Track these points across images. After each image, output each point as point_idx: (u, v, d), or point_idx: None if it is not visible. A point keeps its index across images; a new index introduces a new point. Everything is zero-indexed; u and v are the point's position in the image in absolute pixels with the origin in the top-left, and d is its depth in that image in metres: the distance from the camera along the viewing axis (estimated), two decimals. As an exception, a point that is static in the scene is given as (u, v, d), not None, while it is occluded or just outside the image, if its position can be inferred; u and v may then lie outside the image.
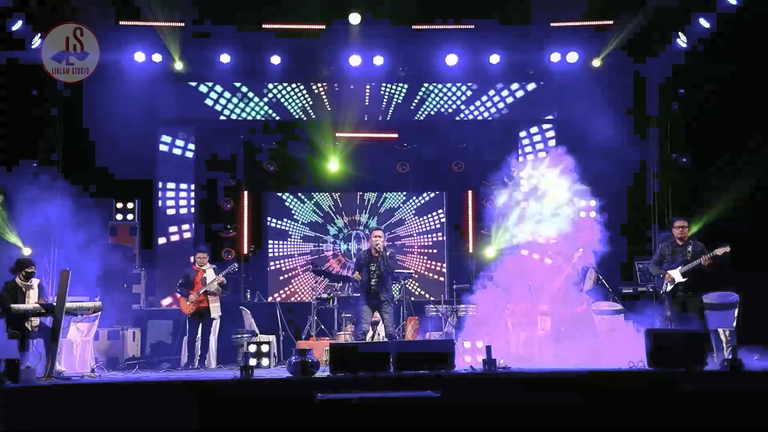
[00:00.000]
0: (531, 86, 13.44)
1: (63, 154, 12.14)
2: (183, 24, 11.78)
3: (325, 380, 7.76)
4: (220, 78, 12.99)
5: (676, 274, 8.83)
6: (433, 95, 13.54)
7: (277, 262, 13.58)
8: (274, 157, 13.49)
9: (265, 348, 9.94)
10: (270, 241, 13.59)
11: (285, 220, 13.67)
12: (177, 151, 13.46)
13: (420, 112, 13.56)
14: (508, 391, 7.34)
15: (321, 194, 13.76)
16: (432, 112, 13.57)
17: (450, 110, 13.58)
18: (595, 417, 6.78)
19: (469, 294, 11.06)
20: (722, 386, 7.32)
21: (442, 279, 13.60)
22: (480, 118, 13.60)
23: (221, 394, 7.28)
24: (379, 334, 10.08)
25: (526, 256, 10.75)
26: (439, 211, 13.80)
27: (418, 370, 7.79)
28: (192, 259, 11.32)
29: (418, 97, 13.53)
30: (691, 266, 8.76)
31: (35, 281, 8.99)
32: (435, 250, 13.72)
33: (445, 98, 13.57)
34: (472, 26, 12.03)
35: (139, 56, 12.00)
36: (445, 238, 13.74)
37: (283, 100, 13.43)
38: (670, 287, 8.90)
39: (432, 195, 13.84)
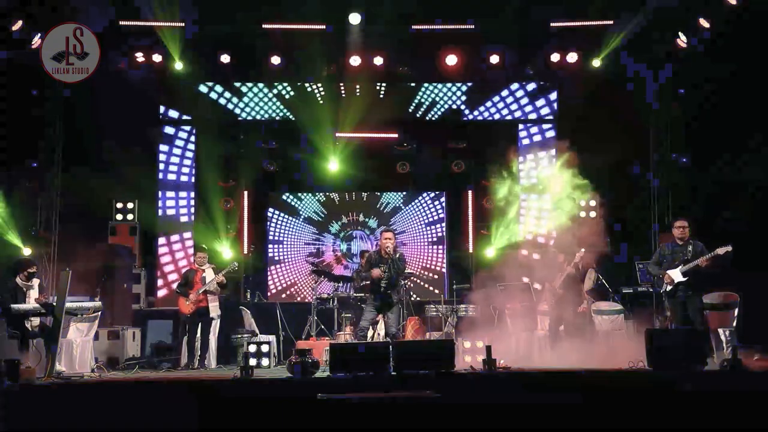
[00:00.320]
0: (531, 86, 13.45)
1: (63, 154, 12.15)
2: (183, 24, 11.78)
3: (325, 380, 7.76)
4: (219, 78, 13.00)
5: (676, 274, 8.82)
6: (433, 95, 13.54)
7: (277, 262, 13.58)
8: (274, 157, 13.49)
9: (265, 348, 9.93)
10: (270, 241, 13.59)
11: (285, 220, 13.67)
12: (177, 151, 13.47)
13: (420, 112, 13.56)
14: (508, 391, 7.33)
15: (321, 194, 13.77)
16: (432, 112, 13.57)
17: (450, 110, 13.58)
18: (595, 417, 6.76)
19: (469, 294, 11.07)
20: (722, 386, 7.31)
21: (442, 279, 13.61)
22: (480, 118, 13.61)
23: (221, 394, 7.28)
24: (379, 334, 10.07)
25: (527, 256, 10.76)
26: (439, 210, 13.81)
27: (418, 370, 7.78)
28: (191, 259, 11.32)
29: (418, 97, 13.54)
30: (692, 266, 8.75)
31: (35, 281, 8.99)
32: (435, 250, 13.73)
33: (445, 98, 13.58)
34: (472, 26, 12.04)
35: (139, 56, 12.02)
36: (445, 237, 13.74)
37: (283, 99, 13.44)
38: (670, 287, 8.90)
39: (432, 195, 13.84)
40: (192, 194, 13.45)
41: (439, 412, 6.82)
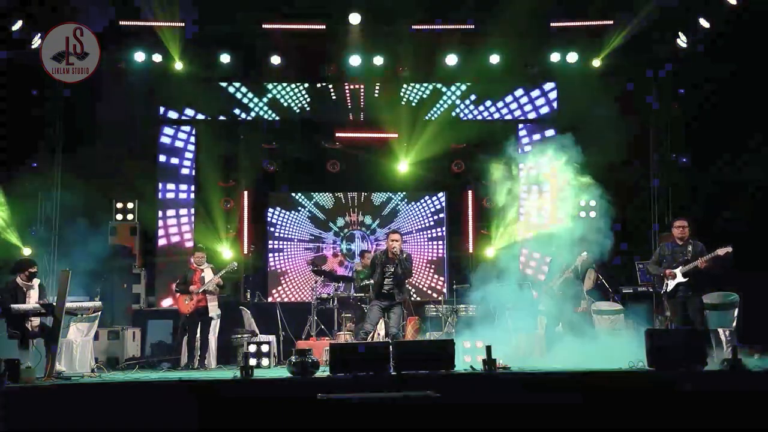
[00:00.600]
0: (531, 86, 13.45)
1: (63, 154, 12.14)
2: (183, 24, 11.78)
3: (325, 380, 7.75)
4: (219, 78, 12.99)
5: (677, 274, 8.82)
6: (433, 95, 13.53)
7: (277, 261, 13.58)
8: (274, 157, 13.48)
9: (265, 348, 9.92)
10: (270, 241, 13.60)
11: (285, 220, 13.66)
12: (177, 151, 13.47)
13: (420, 112, 13.55)
14: (508, 391, 7.32)
15: (321, 194, 13.76)
16: (432, 112, 13.57)
17: (450, 110, 13.57)
18: (595, 417, 6.77)
19: (469, 294, 11.06)
20: (722, 386, 7.31)
21: (442, 279, 13.61)
22: (480, 118, 13.60)
23: (221, 394, 7.28)
24: (379, 334, 10.07)
25: (526, 255, 10.75)
26: (439, 210, 13.80)
27: (418, 370, 7.78)
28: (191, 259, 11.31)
29: (418, 97, 13.53)
30: (692, 266, 8.74)
31: (36, 281, 8.99)
32: (435, 250, 13.72)
33: (445, 98, 13.58)
34: (472, 26, 12.04)
35: (139, 56, 12.02)
36: (445, 237, 13.74)
37: (282, 100, 13.44)
38: (670, 287, 8.89)
39: (432, 195, 13.84)
40: (192, 195, 13.43)
41: (439, 412, 6.82)
